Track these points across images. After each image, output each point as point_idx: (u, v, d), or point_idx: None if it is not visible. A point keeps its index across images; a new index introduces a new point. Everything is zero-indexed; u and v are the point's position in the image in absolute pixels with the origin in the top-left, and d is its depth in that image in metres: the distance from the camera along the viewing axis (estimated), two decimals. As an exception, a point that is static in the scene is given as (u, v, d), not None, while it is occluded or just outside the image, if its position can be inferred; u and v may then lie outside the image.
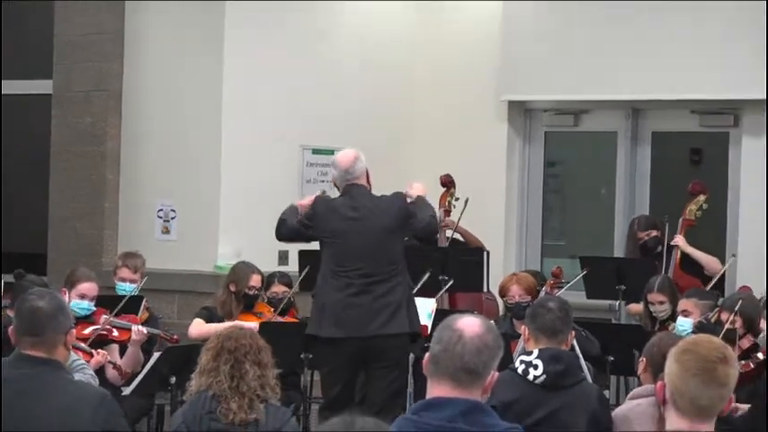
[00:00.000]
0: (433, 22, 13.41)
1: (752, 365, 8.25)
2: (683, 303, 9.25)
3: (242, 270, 10.01)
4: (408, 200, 9.16)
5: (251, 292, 9.88)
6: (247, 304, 9.89)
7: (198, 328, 9.66)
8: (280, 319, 9.82)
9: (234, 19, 12.18)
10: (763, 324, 8.44)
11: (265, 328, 8.75)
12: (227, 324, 8.51)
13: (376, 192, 9.29)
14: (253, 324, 8.94)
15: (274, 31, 12.38)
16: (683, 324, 8.95)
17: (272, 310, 9.91)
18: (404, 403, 8.77)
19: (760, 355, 8.36)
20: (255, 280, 9.91)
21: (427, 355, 4.37)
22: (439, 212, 11.41)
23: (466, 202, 11.43)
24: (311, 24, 12.62)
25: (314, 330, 8.92)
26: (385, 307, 8.84)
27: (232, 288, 9.89)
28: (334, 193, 9.16)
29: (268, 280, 10.25)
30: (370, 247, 8.90)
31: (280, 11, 12.36)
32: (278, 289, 10.14)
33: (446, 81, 13.30)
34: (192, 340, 9.47)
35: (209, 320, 9.69)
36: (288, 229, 9.26)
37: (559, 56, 12.67)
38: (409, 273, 9.18)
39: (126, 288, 9.68)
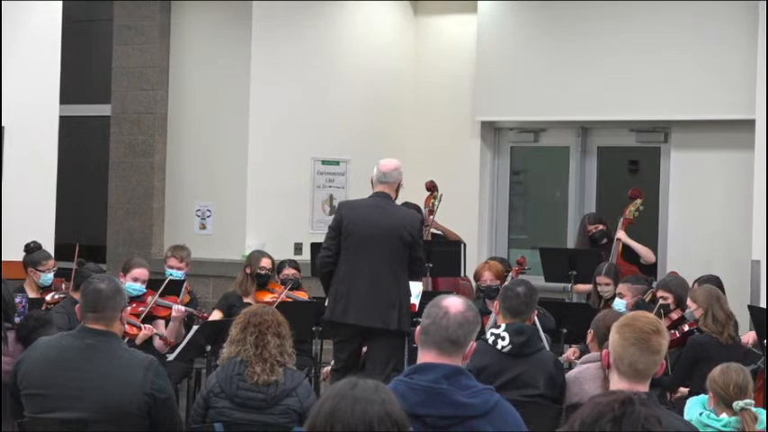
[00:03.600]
0: (424, 57, 13.41)
1: (678, 334, 8.27)
2: (619, 287, 9.22)
3: (254, 255, 9.99)
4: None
5: (262, 272, 9.81)
6: (260, 283, 9.83)
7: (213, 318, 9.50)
8: (291, 293, 9.76)
9: (258, 55, 12.21)
10: (689, 301, 8.45)
11: (284, 306, 8.72)
12: None
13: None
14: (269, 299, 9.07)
15: (291, 67, 12.39)
16: (618, 304, 8.92)
17: (282, 287, 9.87)
18: (400, 367, 8.63)
19: (686, 327, 8.38)
20: (265, 262, 9.86)
21: (418, 327, 4.35)
22: (424, 212, 11.40)
23: (439, 198, 11.44)
24: (320, 61, 12.62)
25: (328, 316, 8.69)
26: (378, 301, 8.53)
27: (248, 270, 9.85)
28: (340, 199, 9.08)
29: (280, 265, 10.23)
30: (378, 242, 8.57)
31: (296, 51, 12.40)
32: (288, 271, 10.10)
33: (432, 105, 13.28)
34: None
35: (226, 311, 9.56)
36: (321, 257, 8.85)
37: (523, 84, 12.65)
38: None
39: (174, 274, 9.66)
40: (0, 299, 6.61)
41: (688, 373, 7.96)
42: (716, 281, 9.18)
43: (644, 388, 4.33)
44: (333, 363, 8.92)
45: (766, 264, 10.65)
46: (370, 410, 3.01)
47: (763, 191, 10.89)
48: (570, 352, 8.60)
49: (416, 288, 9.11)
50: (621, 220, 10.89)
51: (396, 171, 8.83)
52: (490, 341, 6.61)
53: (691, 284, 9.12)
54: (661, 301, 8.49)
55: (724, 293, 8.65)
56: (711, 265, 10.52)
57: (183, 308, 8.95)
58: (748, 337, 8.55)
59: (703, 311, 8.21)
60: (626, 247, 10.81)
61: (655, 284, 9.23)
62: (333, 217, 9.07)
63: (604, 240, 10.92)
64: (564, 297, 11.03)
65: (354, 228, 8.65)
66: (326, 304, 8.78)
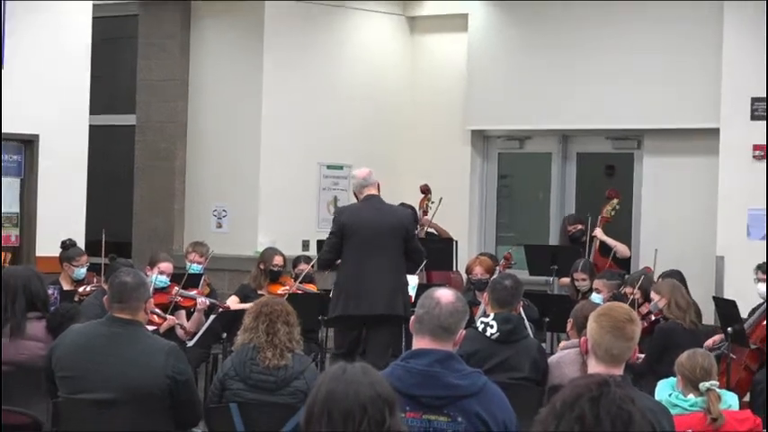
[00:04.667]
0: (420, 72, 13.41)
1: (646, 324, 8.28)
2: (596, 283, 9.23)
3: (268, 252, 9.96)
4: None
5: (275, 269, 9.78)
6: (273, 278, 9.81)
7: (233, 303, 9.51)
8: (301, 285, 9.76)
9: (269, 70, 12.24)
10: (653, 294, 8.47)
11: (293, 297, 8.72)
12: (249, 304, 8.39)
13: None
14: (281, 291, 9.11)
15: (299, 80, 12.42)
16: (595, 298, 8.91)
17: (293, 281, 9.85)
18: (398, 353, 8.63)
19: (653, 317, 8.39)
20: (278, 259, 9.83)
21: (413, 317, 4.36)
22: (419, 213, 11.40)
23: (439, 201, 11.46)
24: (325, 76, 12.65)
25: (333, 312, 8.69)
26: (386, 291, 8.57)
27: (261, 266, 9.82)
28: (344, 201, 9.07)
29: (296, 260, 10.22)
30: (380, 240, 8.60)
31: (304, 67, 12.43)
32: (303, 267, 10.09)
33: (427, 115, 13.29)
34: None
35: (242, 297, 9.57)
36: (324, 260, 8.93)
37: (509, 97, 12.66)
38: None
39: (195, 268, 9.64)
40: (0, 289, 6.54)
41: (657, 358, 7.96)
42: (678, 275, 9.19)
43: (619, 371, 4.33)
44: (335, 348, 8.93)
45: None
46: (362, 392, 3.02)
47: (726, 193, 10.95)
48: (561, 345, 8.59)
49: (413, 281, 9.15)
50: (599, 218, 10.90)
51: (371, 174, 8.92)
52: (480, 329, 6.62)
53: (656, 279, 9.14)
54: (631, 297, 8.49)
55: (686, 286, 8.70)
56: (681, 261, 10.53)
57: (206, 300, 8.96)
58: (710, 341, 8.50)
59: (667, 301, 8.25)
60: (603, 244, 10.82)
61: (627, 278, 9.24)
62: (333, 220, 9.06)
63: (584, 239, 10.92)
64: (546, 289, 11.04)
65: (358, 229, 8.69)
66: (334, 301, 8.74)
